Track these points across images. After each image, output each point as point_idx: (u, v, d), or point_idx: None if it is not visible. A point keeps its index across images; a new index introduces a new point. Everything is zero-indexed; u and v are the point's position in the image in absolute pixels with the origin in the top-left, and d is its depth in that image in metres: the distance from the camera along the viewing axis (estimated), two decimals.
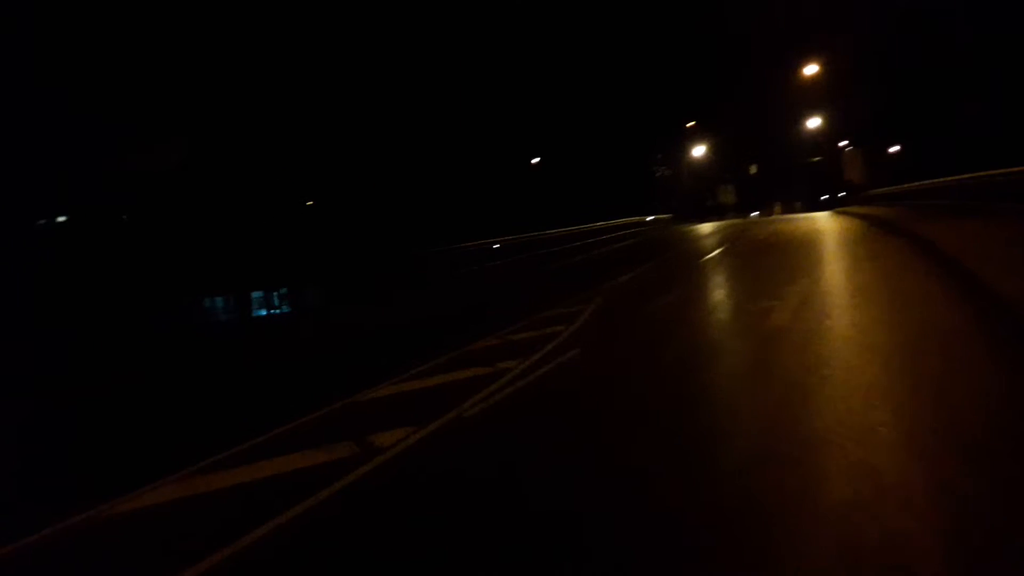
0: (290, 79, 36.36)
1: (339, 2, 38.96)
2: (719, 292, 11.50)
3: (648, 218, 50.89)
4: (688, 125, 60.14)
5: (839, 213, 34.06)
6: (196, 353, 12.87)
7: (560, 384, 6.62)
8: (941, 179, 24.55)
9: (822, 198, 53.51)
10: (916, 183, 29.85)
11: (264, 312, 33.55)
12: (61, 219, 24.87)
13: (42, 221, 22.98)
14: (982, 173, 18.49)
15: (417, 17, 42.79)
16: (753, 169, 64.13)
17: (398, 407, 6.36)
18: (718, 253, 18.41)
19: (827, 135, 58.80)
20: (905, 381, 5.48)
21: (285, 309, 32.10)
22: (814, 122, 59.18)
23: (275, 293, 34.54)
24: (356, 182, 42.26)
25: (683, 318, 9.29)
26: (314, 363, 9.80)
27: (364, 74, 41.18)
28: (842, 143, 58.19)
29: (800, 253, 15.69)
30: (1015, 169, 15.41)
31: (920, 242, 13.25)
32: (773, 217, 46.10)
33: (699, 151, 62.20)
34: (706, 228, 37.49)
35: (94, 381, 10.29)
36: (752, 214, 55.49)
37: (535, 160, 52.28)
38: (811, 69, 53.10)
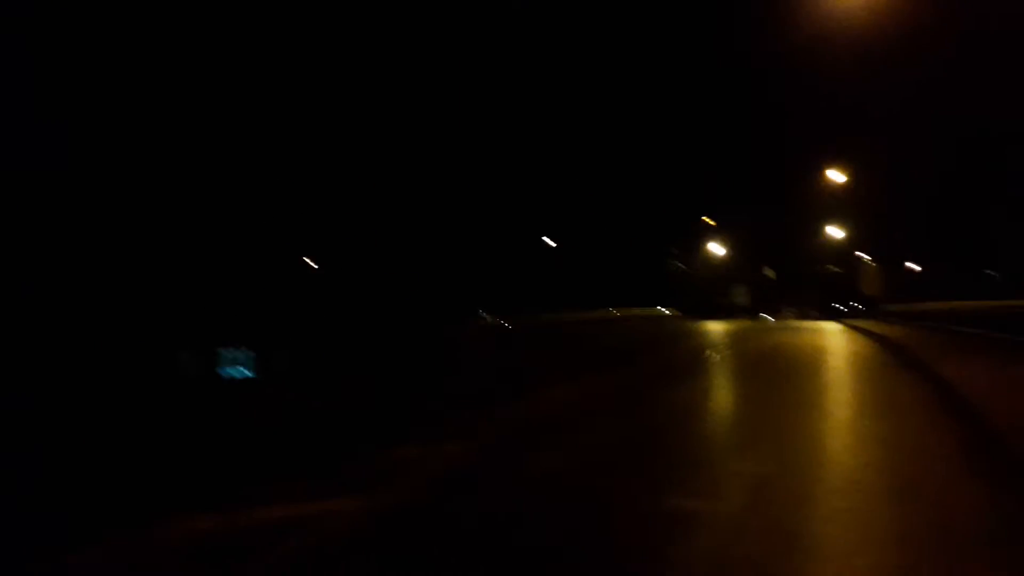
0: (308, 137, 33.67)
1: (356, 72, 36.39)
2: (628, 463, 7.18)
3: (655, 311, 46.76)
4: (706, 220, 56.30)
5: (851, 327, 29.55)
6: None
7: None
8: (979, 302, 20.13)
9: (837, 308, 48.95)
10: (943, 303, 25.41)
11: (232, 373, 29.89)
12: None
13: None
14: None
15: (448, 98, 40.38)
16: (770, 272, 59.65)
17: None
18: (693, 367, 14.12)
19: (849, 245, 54.52)
20: None
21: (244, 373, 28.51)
22: (837, 231, 55.05)
23: (245, 353, 31.01)
24: (358, 246, 38.95)
25: (501, 538, 5.02)
26: None
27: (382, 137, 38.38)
28: (863, 255, 53.83)
29: (786, 388, 11.35)
30: None
31: (953, 395, 8.84)
32: (783, 323, 41.59)
33: (716, 248, 58.15)
34: (707, 327, 33.20)
35: None
36: (765, 317, 50.96)
37: (547, 241, 48.73)
38: (838, 176, 49.24)
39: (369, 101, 37.30)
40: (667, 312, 48.96)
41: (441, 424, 8.03)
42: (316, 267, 42.03)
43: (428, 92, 39.97)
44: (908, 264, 53.29)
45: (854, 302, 46.11)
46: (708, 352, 18.01)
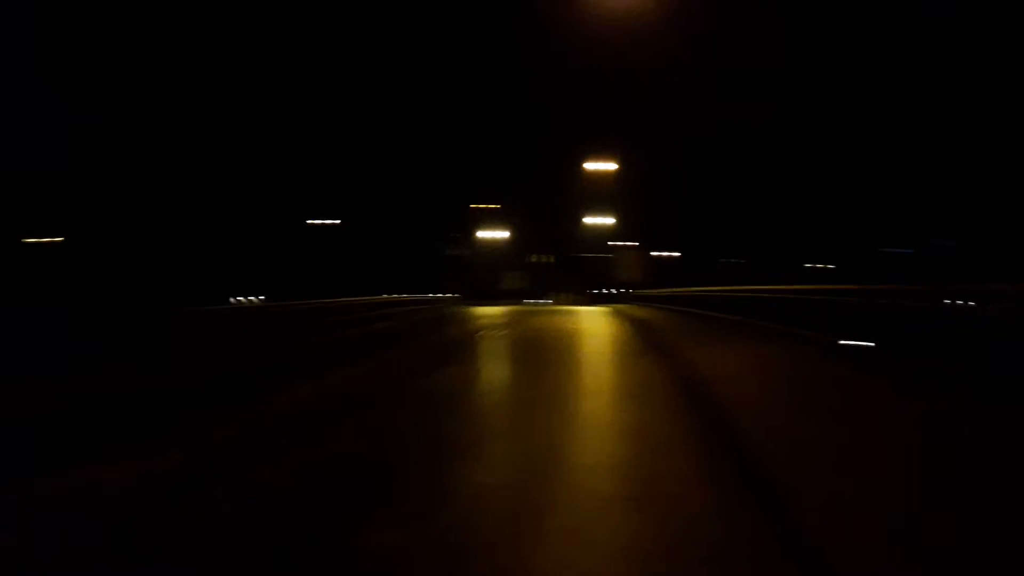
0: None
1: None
2: (346, 479, 6.18)
3: (434, 295, 46.36)
4: (486, 206, 56.91)
5: (615, 311, 30.89)
6: None
7: None
8: (727, 288, 21.51)
9: (605, 291, 51.64)
10: (694, 289, 27.21)
11: None
12: None
13: None
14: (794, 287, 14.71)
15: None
16: (545, 257, 61.68)
17: None
18: (458, 352, 13.45)
19: (614, 233, 57.73)
20: None
21: None
22: (605, 218, 58.08)
23: None
24: (89, 227, 34.48)
25: None
26: None
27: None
28: (629, 242, 57.24)
29: (542, 374, 10.99)
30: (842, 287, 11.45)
31: (698, 380, 8.79)
32: (555, 307, 42.94)
33: (495, 234, 59.02)
34: (483, 311, 33.22)
35: None
36: (540, 301, 52.49)
37: (317, 223, 46.51)
38: (605, 167, 51.73)
39: (115, 66, 33.12)
40: (447, 296, 48.78)
41: (148, 433, 6.48)
42: (46, 246, 36.83)
43: (191, 59, 36.37)
44: (666, 252, 57.39)
45: (617, 286, 48.81)
46: (476, 336, 17.55)
